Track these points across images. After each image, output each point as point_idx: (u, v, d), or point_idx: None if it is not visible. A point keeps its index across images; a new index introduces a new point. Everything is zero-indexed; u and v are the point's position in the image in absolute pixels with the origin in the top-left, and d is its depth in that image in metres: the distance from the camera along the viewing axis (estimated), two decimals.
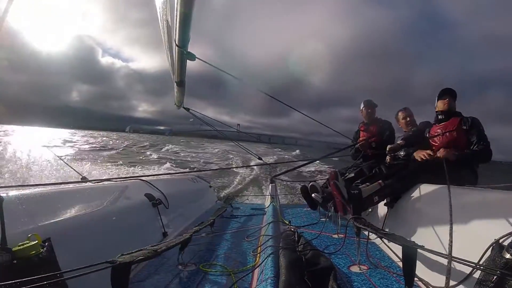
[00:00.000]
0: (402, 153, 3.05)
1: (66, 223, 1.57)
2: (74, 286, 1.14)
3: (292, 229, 2.55)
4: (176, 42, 2.00)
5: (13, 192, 1.56)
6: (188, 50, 2.10)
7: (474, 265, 1.22)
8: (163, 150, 25.31)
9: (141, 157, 18.39)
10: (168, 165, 13.04)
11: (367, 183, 2.69)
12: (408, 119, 3.58)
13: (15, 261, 1.07)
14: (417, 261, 1.44)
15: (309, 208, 3.70)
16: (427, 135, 3.00)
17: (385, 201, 2.66)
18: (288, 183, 8.40)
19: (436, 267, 1.61)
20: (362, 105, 4.05)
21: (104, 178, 3.02)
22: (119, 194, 2.32)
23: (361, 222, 2.03)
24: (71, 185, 2.47)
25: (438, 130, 2.87)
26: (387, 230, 2.36)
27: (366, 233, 2.08)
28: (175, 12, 1.78)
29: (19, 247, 1.11)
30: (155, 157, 18.87)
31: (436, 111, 2.94)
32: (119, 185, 2.62)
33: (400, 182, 2.57)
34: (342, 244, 2.28)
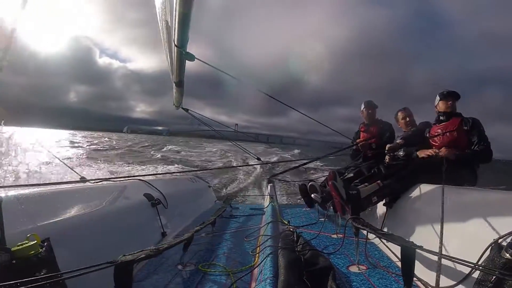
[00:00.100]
0: (401, 153, 3.06)
1: (65, 223, 1.57)
2: (73, 286, 1.14)
3: (291, 229, 2.55)
4: (175, 43, 2.01)
5: (12, 192, 1.56)
6: (187, 51, 2.10)
7: (473, 265, 1.22)
8: (164, 149, 26.04)
9: (147, 156, 19.38)
10: (172, 165, 13.19)
11: (366, 183, 2.70)
12: (407, 119, 3.58)
13: (14, 261, 1.07)
14: (416, 261, 1.44)
15: (308, 208, 3.70)
16: (427, 135, 3.01)
17: (384, 201, 2.67)
18: (287, 183, 8.40)
19: (435, 267, 1.61)
20: (362, 106, 4.05)
21: (103, 178, 3.01)
22: (118, 194, 2.31)
23: (360, 222, 2.03)
24: (70, 185, 2.47)
25: (439, 130, 2.88)
26: (386, 230, 2.37)
27: (365, 233, 2.09)
28: (174, 13, 1.78)
29: (18, 247, 1.11)
30: (159, 156, 19.67)
31: (438, 112, 2.95)
32: (118, 185, 2.62)
33: (399, 183, 2.58)
34: (341, 244, 2.28)
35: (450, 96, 2.85)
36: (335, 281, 1.55)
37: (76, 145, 24.29)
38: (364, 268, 1.94)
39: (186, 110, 3.99)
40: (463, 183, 2.52)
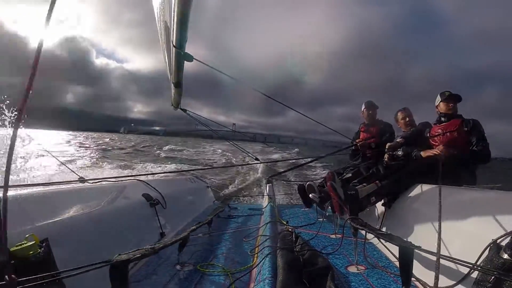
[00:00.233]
0: (400, 152, 3.06)
1: (64, 223, 1.57)
2: (72, 286, 1.14)
3: (290, 229, 2.55)
4: (174, 43, 2.00)
5: (10, 192, 1.55)
6: (186, 51, 2.10)
7: (471, 265, 1.22)
8: (165, 149, 27.20)
9: (155, 155, 20.85)
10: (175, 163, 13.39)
11: (364, 184, 2.70)
12: (407, 119, 3.59)
13: (12, 262, 1.07)
14: (414, 261, 1.45)
15: (307, 208, 3.70)
16: (428, 135, 3.02)
17: (382, 201, 2.67)
18: (286, 182, 8.40)
19: (433, 267, 1.61)
20: (363, 106, 4.05)
21: (101, 178, 3.00)
22: (117, 194, 2.31)
23: (358, 222, 2.03)
24: (68, 185, 2.46)
25: (439, 130, 2.89)
26: (384, 230, 2.37)
27: (364, 233, 2.09)
28: (172, 13, 1.78)
29: (17, 248, 1.11)
30: (163, 155, 20.83)
31: (440, 113, 2.96)
32: (116, 185, 2.62)
33: (398, 183, 2.58)
34: (339, 244, 2.28)
35: (452, 98, 2.86)
36: (333, 281, 1.56)
37: (86, 145, 25.16)
38: (363, 268, 1.94)
39: (184, 110, 3.99)
40: (462, 183, 2.52)
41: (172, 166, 12.50)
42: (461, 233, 1.61)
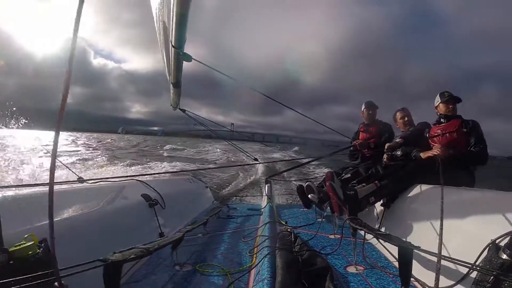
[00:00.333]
0: (399, 152, 3.06)
1: (63, 223, 1.57)
2: (69, 285, 1.14)
3: (289, 230, 2.55)
4: (173, 43, 2.00)
5: (9, 193, 1.55)
6: (184, 51, 2.10)
7: (470, 265, 1.23)
8: (167, 148, 28.15)
9: (160, 154, 21.75)
10: (172, 165, 13.51)
11: (364, 184, 2.70)
12: (406, 119, 3.59)
13: (11, 262, 1.07)
14: (414, 262, 1.45)
15: (306, 209, 3.70)
16: (427, 135, 3.02)
17: (381, 201, 2.68)
18: (285, 183, 8.38)
19: (432, 268, 1.61)
20: (363, 106, 4.05)
21: (100, 178, 3.00)
22: (116, 194, 2.31)
23: (357, 223, 2.03)
24: (67, 186, 2.46)
25: (438, 131, 2.90)
26: (383, 230, 2.37)
27: (363, 233, 2.09)
28: (171, 13, 1.78)
29: (16, 248, 1.10)
30: (166, 154, 21.58)
31: (439, 114, 2.96)
32: (115, 185, 2.62)
33: (396, 183, 2.59)
34: (338, 244, 2.28)
35: (451, 100, 2.86)
36: (332, 281, 1.56)
37: (93, 146, 25.80)
38: (362, 268, 1.94)
39: (183, 110, 3.99)
40: (461, 184, 2.52)
41: (171, 167, 12.50)
42: (460, 233, 1.61)
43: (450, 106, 2.86)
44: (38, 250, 1.17)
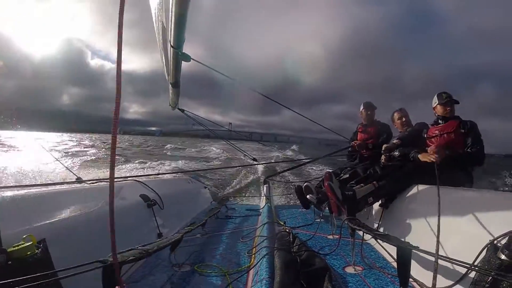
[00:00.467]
0: (396, 153, 3.07)
1: (61, 224, 1.57)
2: (67, 286, 1.14)
3: (287, 230, 2.55)
4: (171, 43, 2.00)
5: (8, 193, 1.55)
6: (183, 51, 2.10)
7: (469, 266, 1.23)
8: (168, 147, 29.26)
9: (163, 153, 22.52)
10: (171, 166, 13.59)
11: (362, 184, 2.70)
12: (403, 119, 3.60)
13: (10, 262, 1.07)
14: (412, 262, 1.45)
15: (304, 209, 3.70)
16: (425, 135, 3.03)
17: (380, 201, 2.68)
18: (284, 183, 8.38)
19: (431, 268, 1.62)
20: (362, 107, 4.06)
21: (99, 178, 3.00)
22: (114, 194, 2.30)
23: (356, 223, 2.04)
24: (66, 186, 2.46)
25: (436, 132, 2.90)
26: (382, 230, 2.38)
27: (361, 233, 2.09)
28: (170, 14, 1.78)
29: (14, 248, 1.10)
30: (169, 154, 22.50)
31: (437, 115, 2.97)
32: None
33: (395, 183, 2.59)
34: (337, 245, 2.28)
35: (450, 102, 2.87)
36: (331, 282, 1.56)
37: (100, 146, 26.32)
38: (360, 269, 1.94)
39: (182, 110, 3.98)
40: (458, 184, 2.53)
41: (170, 167, 12.49)
42: (459, 233, 1.62)
43: (448, 108, 2.87)
44: (37, 251, 1.17)
